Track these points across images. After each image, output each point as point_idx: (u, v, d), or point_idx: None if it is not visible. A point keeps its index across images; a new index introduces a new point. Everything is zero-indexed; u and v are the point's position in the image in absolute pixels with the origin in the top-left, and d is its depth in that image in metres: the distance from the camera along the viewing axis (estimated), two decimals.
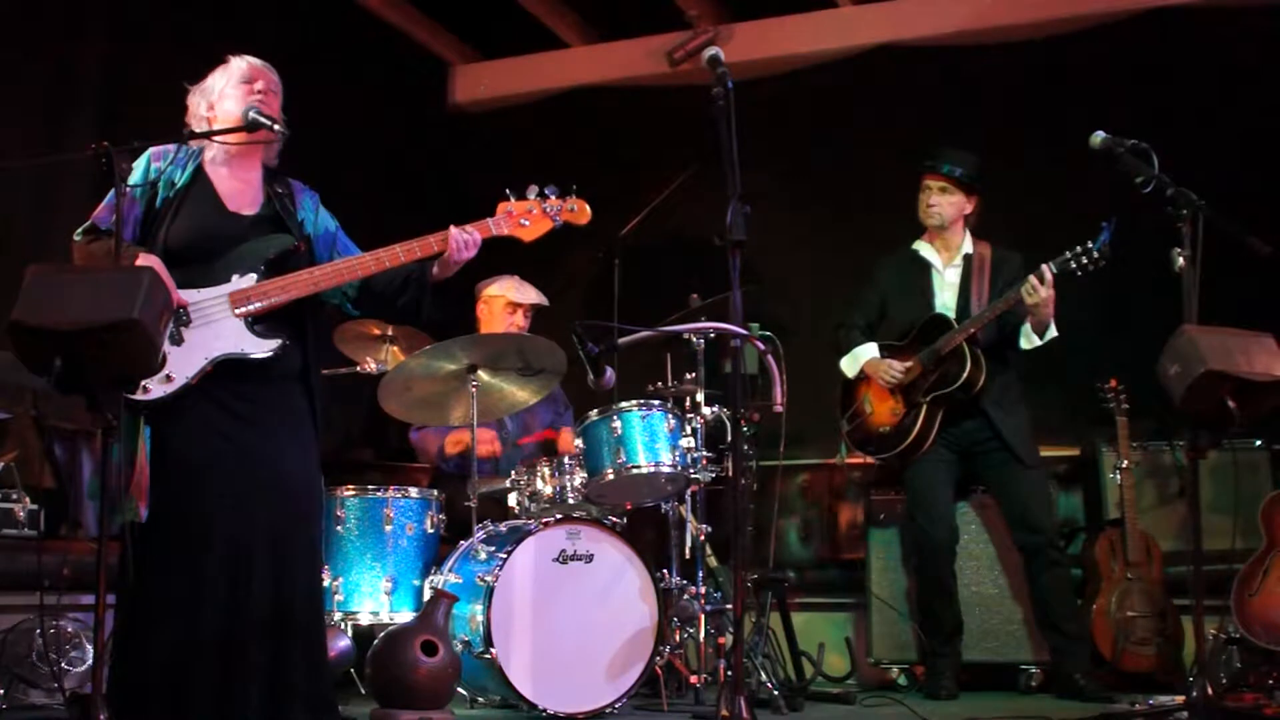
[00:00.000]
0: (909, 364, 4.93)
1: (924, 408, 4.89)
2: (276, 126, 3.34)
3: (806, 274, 6.58)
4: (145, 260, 3.10)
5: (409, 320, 4.93)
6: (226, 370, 3.25)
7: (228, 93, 3.42)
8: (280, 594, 3.25)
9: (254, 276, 3.31)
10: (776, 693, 4.23)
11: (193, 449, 3.23)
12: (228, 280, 3.29)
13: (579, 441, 4.36)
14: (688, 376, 4.68)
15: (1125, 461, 5.06)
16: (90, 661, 3.92)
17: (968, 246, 5.04)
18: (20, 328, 2.67)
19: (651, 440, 4.24)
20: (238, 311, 3.26)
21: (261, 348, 3.27)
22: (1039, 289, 4.62)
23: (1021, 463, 4.86)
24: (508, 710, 4.24)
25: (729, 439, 3.85)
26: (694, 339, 4.58)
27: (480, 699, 4.38)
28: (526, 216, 3.57)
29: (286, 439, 3.34)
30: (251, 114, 3.35)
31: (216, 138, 3.37)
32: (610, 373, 4.19)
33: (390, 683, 3.78)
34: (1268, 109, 5.81)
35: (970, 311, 4.90)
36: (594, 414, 4.33)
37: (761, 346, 3.70)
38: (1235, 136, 5.82)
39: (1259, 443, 5.33)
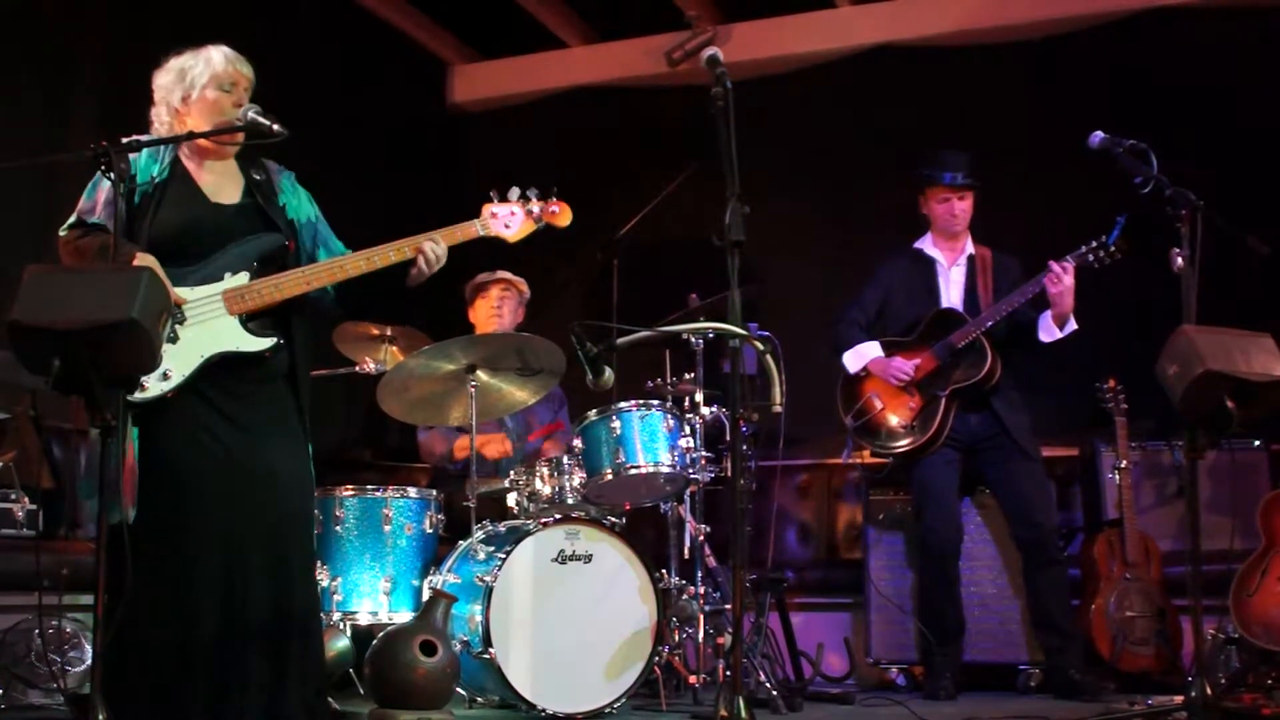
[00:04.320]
0: (917, 360, 4.91)
1: (943, 401, 4.86)
2: (276, 127, 3.30)
3: (806, 273, 6.59)
4: (142, 260, 3.10)
5: (391, 321, 5.14)
6: (217, 370, 3.25)
7: (208, 95, 3.36)
8: (276, 594, 3.24)
9: (246, 275, 3.30)
10: (775, 693, 4.24)
11: (184, 449, 3.22)
12: (220, 278, 3.29)
13: (578, 441, 4.36)
14: (687, 376, 4.69)
15: (1124, 461, 5.06)
16: (89, 661, 3.91)
17: (970, 247, 5.06)
18: (19, 327, 2.67)
19: (650, 440, 4.24)
20: (233, 309, 3.27)
21: (258, 344, 3.28)
22: (1063, 277, 4.64)
23: (1027, 457, 4.86)
24: (506, 710, 4.24)
25: (728, 439, 3.85)
26: (693, 339, 4.58)
27: (479, 699, 4.38)
28: (510, 219, 3.60)
29: (277, 438, 3.33)
30: (251, 114, 3.32)
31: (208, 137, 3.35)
32: (609, 373, 4.19)
33: (389, 683, 3.78)
34: (1268, 109, 5.81)
35: (980, 309, 4.89)
36: (593, 414, 4.34)
37: (760, 346, 3.69)
38: (1235, 136, 5.82)
39: (1258, 443, 5.34)
